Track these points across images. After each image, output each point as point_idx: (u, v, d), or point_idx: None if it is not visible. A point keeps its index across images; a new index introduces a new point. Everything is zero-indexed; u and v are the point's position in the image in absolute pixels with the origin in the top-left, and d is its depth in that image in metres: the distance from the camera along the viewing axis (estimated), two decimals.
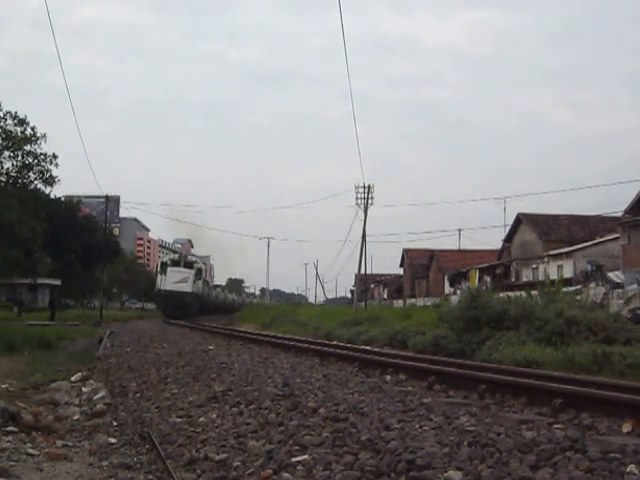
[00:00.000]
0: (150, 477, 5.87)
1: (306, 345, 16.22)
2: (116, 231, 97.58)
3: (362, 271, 52.87)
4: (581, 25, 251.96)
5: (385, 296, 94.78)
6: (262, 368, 9.90)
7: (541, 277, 47.06)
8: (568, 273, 44.40)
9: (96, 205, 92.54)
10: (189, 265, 63.06)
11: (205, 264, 78.57)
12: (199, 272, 64.03)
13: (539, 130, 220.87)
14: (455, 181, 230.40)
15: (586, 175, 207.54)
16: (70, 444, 7.27)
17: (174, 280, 60.01)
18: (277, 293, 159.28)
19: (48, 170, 32.38)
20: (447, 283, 68.48)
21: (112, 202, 76.72)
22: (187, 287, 60.46)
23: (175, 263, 62.96)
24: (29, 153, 31.61)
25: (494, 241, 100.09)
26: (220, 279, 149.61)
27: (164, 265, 62.70)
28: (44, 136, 32.20)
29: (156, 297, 66.32)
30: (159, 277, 62.60)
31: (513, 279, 54.72)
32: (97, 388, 10.85)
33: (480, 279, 55.36)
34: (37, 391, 11.05)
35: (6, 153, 31.46)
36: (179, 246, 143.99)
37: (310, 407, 6.63)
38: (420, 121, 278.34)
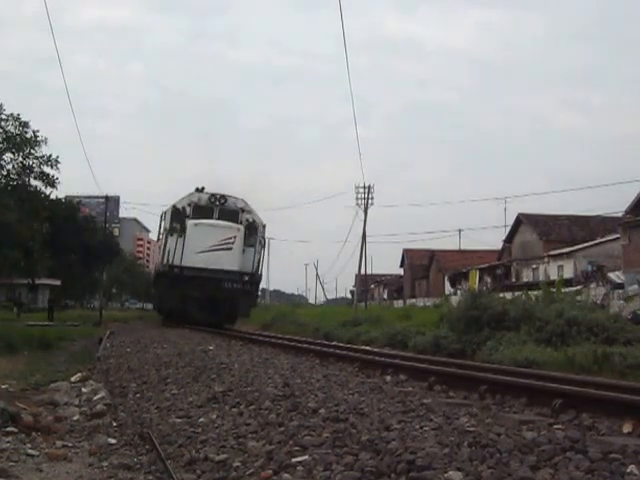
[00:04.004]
0: (150, 477, 5.86)
1: (306, 345, 16.20)
2: (116, 231, 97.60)
3: (362, 271, 52.87)
4: (584, 27, 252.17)
5: (385, 296, 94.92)
6: (262, 368, 9.90)
7: (541, 277, 47.08)
8: (568, 273, 44.46)
9: (96, 205, 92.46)
10: (232, 215, 30.66)
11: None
12: (251, 230, 31.04)
13: (540, 130, 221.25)
14: (455, 181, 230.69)
15: (587, 175, 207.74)
16: (70, 444, 7.26)
17: (204, 246, 28.96)
18: (277, 294, 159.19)
19: (48, 174, 32.42)
20: (447, 283, 68.53)
21: (112, 202, 76.69)
22: (231, 260, 29.39)
23: (203, 211, 30.53)
24: (30, 155, 31.64)
25: (494, 241, 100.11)
26: None
27: (178, 215, 30.51)
28: (45, 140, 32.26)
29: (162, 282, 31.87)
30: (168, 241, 30.53)
31: (513, 279, 54.77)
32: (97, 388, 10.84)
33: (480, 279, 55.39)
34: (37, 391, 11.03)
35: (7, 155, 31.50)
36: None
37: (310, 407, 6.62)
38: (421, 121, 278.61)
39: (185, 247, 29.11)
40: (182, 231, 29.65)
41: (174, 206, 30.98)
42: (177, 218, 30.54)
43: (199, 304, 28.86)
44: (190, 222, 29.72)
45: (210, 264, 28.89)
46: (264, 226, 32.24)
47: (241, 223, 30.78)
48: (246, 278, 30.01)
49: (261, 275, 31.56)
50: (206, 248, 29.13)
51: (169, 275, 29.67)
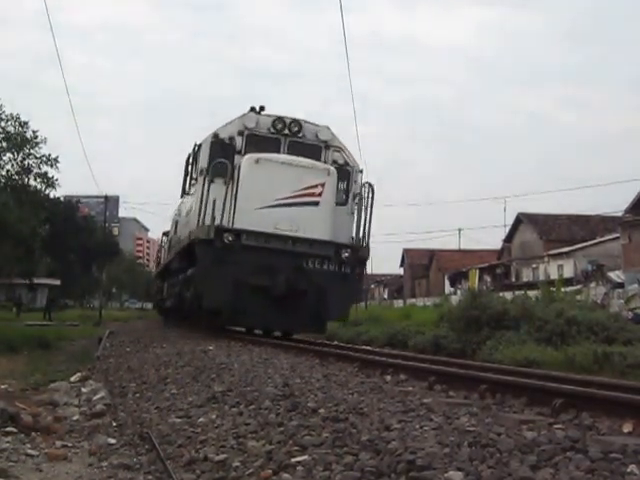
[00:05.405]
0: (150, 477, 5.87)
1: (306, 345, 16.17)
2: (115, 231, 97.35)
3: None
4: (584, 25, 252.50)
5: (385, 296, 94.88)
6: (262, 368, 9.87)
7: (541, 277, 47.12)
8: (568, 273, 44.50)
9: (95, 205, 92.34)
10: (311, 151, 18.56)
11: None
12: (343, 177, 18.82)
13: (540, 129, 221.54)
14: (455, 180, 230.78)
15: (587, 175, 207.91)
16: (70, 445, 7.26)
17: (270, 198, 17.28)
18: None
19: (46, 174, 32.35)
20: (447, 283, 68.53)
21: (111, 202, 76.68)
22: (319, 223, 17.51)
23: (264, 143, 18.44)
24: (29, 155, 31.59)
25: (494, 241, 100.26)
26: None
27: (222, 149, 18.13)
28: (44, 140, 32.23)
29: (200, 259, 17.44)
30: (210, 190, 17.10)
31: (513, 279, 54.80)
32: (96, 388, 10.84)
33: (480, 279, 55.40)
34: (36, 391, 11.04)
35: (7, 155, 31.44)
36: None
37: (310, 407, 6.60)
38: (421, 120, 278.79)
39: (239, 199, 17.25)
40: (232, 173, 17.43)
41: (215, 135, 18.47)
42: (221, 153, 18.03)
43: (264, 297, 16.90)
44: (247, 158, 17.60)
45: (282, 228, 17.25)
46: (361, 171, 19.41)
47: (326, 159, 18.88)
48: (345, 254, 17.68)
49: (368, 250, 18.52)
50: (274, 201, 17.27)
51: (214, 245, 16.67)
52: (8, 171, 31.71)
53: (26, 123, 31.86)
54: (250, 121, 18.59)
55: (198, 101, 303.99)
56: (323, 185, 17.68)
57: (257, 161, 17.53)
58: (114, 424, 8.21)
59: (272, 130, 18.69)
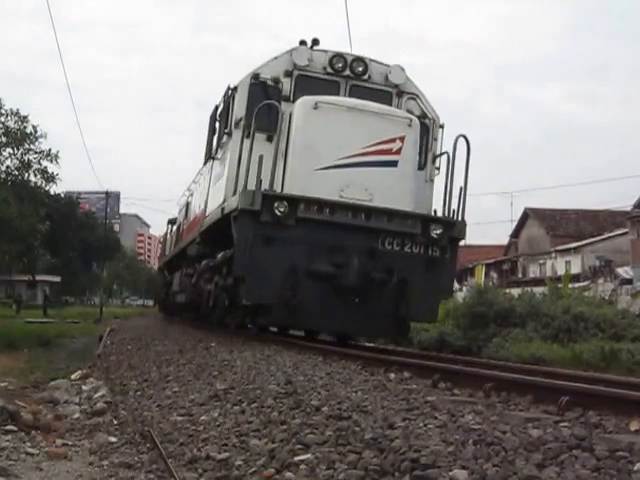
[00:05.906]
0: (151, 476, 5.82)
1: (309, 343, 16.10)
2: (116, 227, 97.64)
3: None
4: (592, 17, 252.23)
5: None
6: (264, 366, 9.80)
7: (549, 273, 47.02)
8: (576, 269, 44.39)
9: (96, 201, 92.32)
10: (381, 98, 13.74)
11: None
12: (424, 132, 13.74)
13: (548, 123, 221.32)
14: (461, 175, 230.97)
15: (595, 169, 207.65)
16: (70, 443, 7.24)
17: (334, 155, 12.45)
18: None
19: (46, 170, 32.40)
20: None
21: (112, 198, 76.84)
22: (399, 189, 12.64)
23: (319, 85, 13.72)
24: (29, 150, 31.65)
25: (501, 236, 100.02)
26: None
27: (263, 93, 13.45)
28: (45, 135, 32.29)
29: (241, 236, 12.20)
30: (250, 148, 12.14)
31: (520, 275, 54.72)
32: (97, 386, 10.83)
33: (486, 275, 55.29)
34: (36, 389, 11.07)
35: (7, 150, 31.49)
36: None
37: (313, 405, 6.54)
38: None
39: (291, 157, 12.88)
40: (280, 125, 12.86)
41: (256, 75, 14.06)
42: (263, 99, 13.30)
43: (329, 290, 12.69)
44: (302, 102, 13.16)
45: (351, 196, 12.82)
46: (442, 126, 14.96)
47: (403, 106, 14.51)
48: (436, 231, 12.95)
49: (465, 227, 13.48)
50: (339, 160, 12.85)
51: (261, 219, 12.16)
52: (8, 167, 31.77)
53: (26, 117, 31.93)
54: (301, 58, 14.36)
55: (199, 96, 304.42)
56: (403, 139, 13.23)
57: (315, 106, 13.12)
58: (115, 422, 8.17)
59: (329, 70, 14.45)
